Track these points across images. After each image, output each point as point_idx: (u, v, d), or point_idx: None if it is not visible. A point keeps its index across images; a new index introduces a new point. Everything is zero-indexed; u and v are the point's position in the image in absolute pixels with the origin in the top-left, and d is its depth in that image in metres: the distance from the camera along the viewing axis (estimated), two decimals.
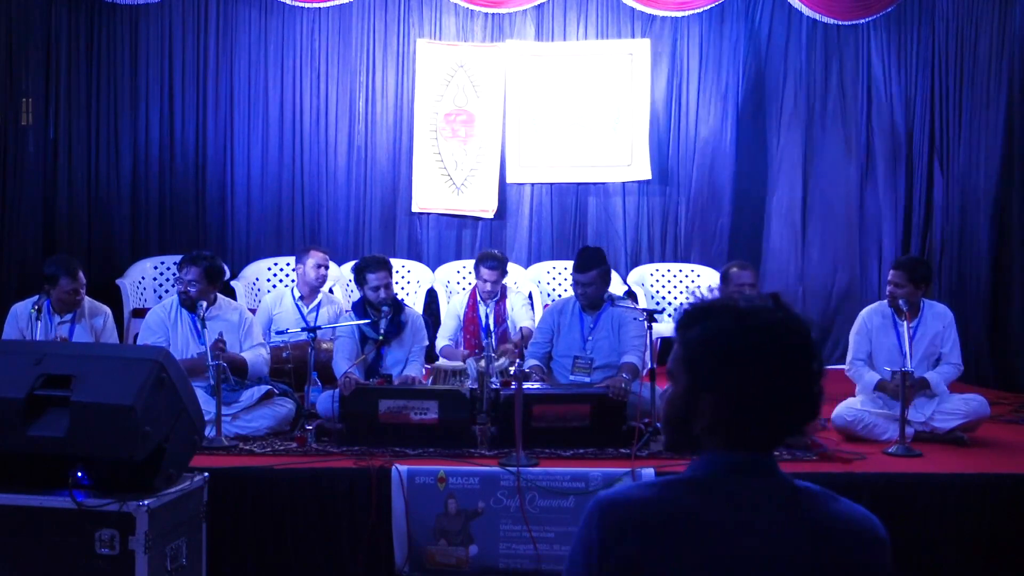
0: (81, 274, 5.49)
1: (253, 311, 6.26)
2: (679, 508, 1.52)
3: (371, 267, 5.53)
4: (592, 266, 5.47)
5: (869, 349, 5.54)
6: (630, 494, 1.55)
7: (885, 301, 5.58)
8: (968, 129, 7.86)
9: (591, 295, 5.49)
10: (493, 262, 6.44)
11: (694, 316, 1.58)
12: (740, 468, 1.55)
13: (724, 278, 5.67)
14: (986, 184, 7.70)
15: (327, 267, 6.65)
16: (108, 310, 5.74)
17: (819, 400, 1.57)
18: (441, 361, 6.25)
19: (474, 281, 6.68)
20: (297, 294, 6.57)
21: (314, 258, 6.51)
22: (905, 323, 5.32)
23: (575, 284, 5.56)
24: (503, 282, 6.69)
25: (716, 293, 1.62)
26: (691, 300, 1.61)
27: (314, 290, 6.55)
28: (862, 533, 1.56)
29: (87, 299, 5.63)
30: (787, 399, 1.54)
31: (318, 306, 6.51)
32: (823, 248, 8.39)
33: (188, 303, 5.32)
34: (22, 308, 5.51)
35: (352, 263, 7.49)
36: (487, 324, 6.40)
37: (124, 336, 7.01)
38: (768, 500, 1.53)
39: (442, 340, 6.51)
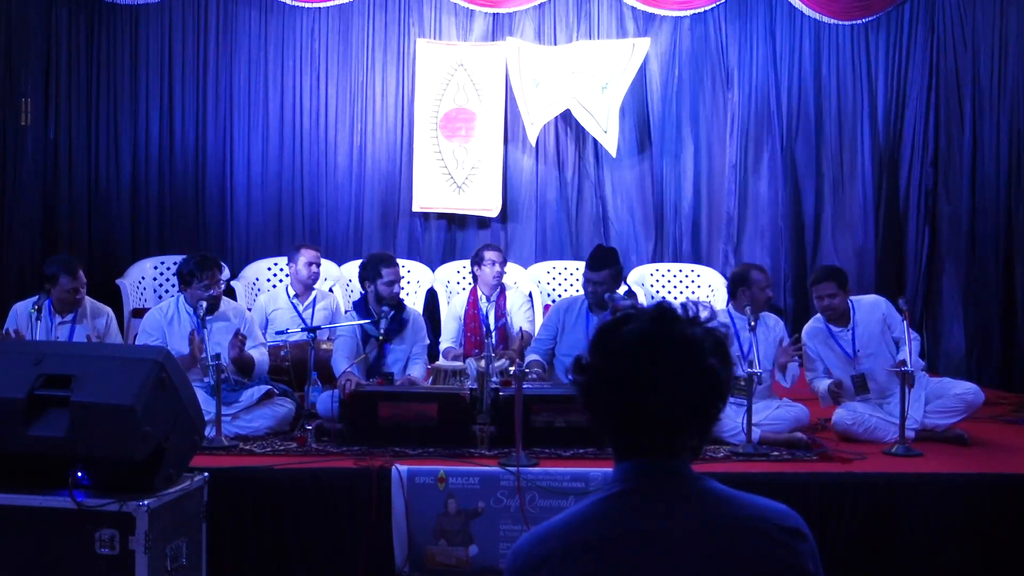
0: (81, 273, 5.48)
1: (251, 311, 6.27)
2: (587, 528, 1.51)
3: (385, 261, 5.57)
4: (605, 265, 5.50)
5: (822, 363, 5.54)
6: (536, 531, 1.55)
7: (820, 315, 5.57)
8: (971, 129, 7.86)
9: (601, 294, 5.50)
10: (494, 247, 6.62)
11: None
12: (645, 476, 1.54)
13: (744, 280, 5.50)
14: (992, 185, 7.70)
15: (319, 264, 6.68)
16: (110, 311, 5.73)
17: (703, 400, 1.54)
18: (441, 361, 6.25)
19: (478, 276, 6.70)
20: (292, 292, 6.59)
21: (305, 256, 6.56)
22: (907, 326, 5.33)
23: (586, 282, 5.58)
24: (502, 281, 6.71)
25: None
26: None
27: (308, 287, 6.58)
28: (774, 527, 1.51)
29: (89, 300, 5.63)
30: (650, 405, 1.52)
31: (313, 302, 6.54)
32: (821, 247, 8.38)
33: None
34: (22, 307, 5.50)
35: (352, 263, 7.53)
36: (487, 320, 6.42)
37: (124, 336, 7.00)
38: (674, 506, 1.51)
39: (445, 343, 6.52)
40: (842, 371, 5.45)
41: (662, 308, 1.56)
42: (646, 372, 1.51)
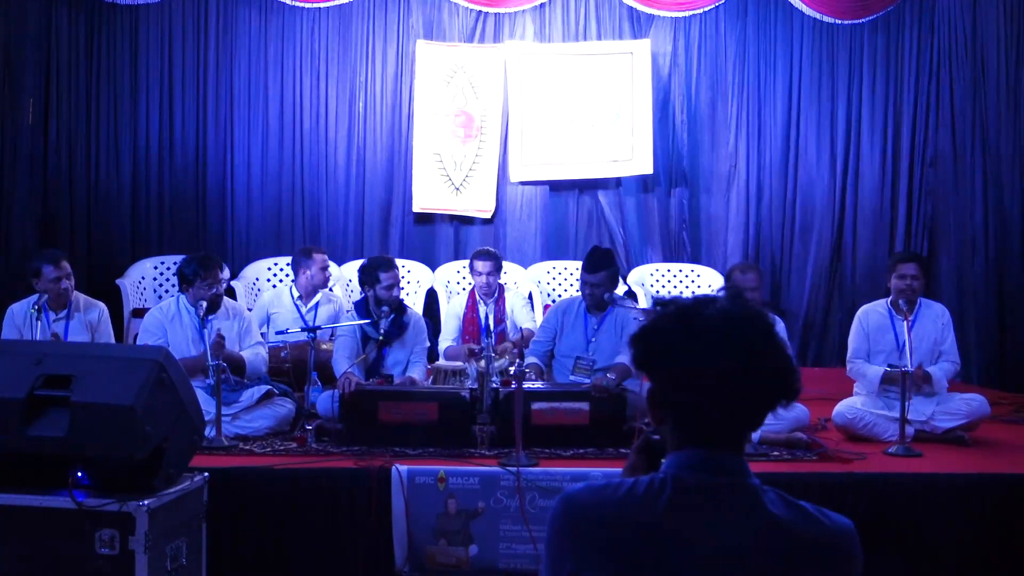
0: (66, 263, 5.46)
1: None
2: (648, 512, 1.51)
3: (384, 266, 5.55)
4: (602, 267, 5.49)
5: (868, 348, 5.55)
6: (596, 489, 1.55)
7: (884, 300, 5.60)
8: (970, 129, 7.85)
9: (598, 296, 5.50)
10: (485, 255, 6.56)
11: (647, 325, 1.61)
12: (705, 467, 1.54)
13: (727, 280, 5.69)
14: (990, 186, 7.69)
15: (329, 266, 6.67)
16: (103, 306, 5.71)
17: (776, 390, 1.55)
18: (441, 361, 6.25)
19: (473, 281, 6.72)
20: (296, 293, 6.56)
21: (318, 261, 6.52)
22: (906, 321, 5.33)
23: (583, 284, 5.58)
24: (501, 282, 6.70)
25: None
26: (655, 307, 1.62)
27: (315, 290, 6.56)
28: (824, 540, 1.52)
29: (82, 296, 5.63)
30: (731, 389, 1.53)
31: (317, 305, 6.51)
32: (820, 248, 8.37)
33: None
34: (18, 308, 5.51)
35: (352, 263, 7.54)
36: (486, 324, 6.41)
37: (124, 336, 7.00)
38: (731, 504, 1.52)
39: (445, 341, 6.52)
40: (882, 358, 5.43)
41: (736, 292, 1.59)
42: (739, 354, 1.52)
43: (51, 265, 5.40)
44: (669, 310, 1.58)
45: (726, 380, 1.52)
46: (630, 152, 8.17)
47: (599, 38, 8.35)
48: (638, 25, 8.36)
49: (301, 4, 8.14)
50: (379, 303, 5.48)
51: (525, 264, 8.19)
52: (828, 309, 8.32)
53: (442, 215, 8.36)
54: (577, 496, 1.56)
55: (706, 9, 8.26)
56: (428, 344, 5.81)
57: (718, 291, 1.59)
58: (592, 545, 1.52)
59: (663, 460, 1.61)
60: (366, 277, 5.56)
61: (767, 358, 1.53)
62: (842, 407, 5.40)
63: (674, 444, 1.58)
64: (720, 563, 1.48)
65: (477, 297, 6.58)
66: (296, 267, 6.62)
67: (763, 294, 5.73)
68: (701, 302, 1.56)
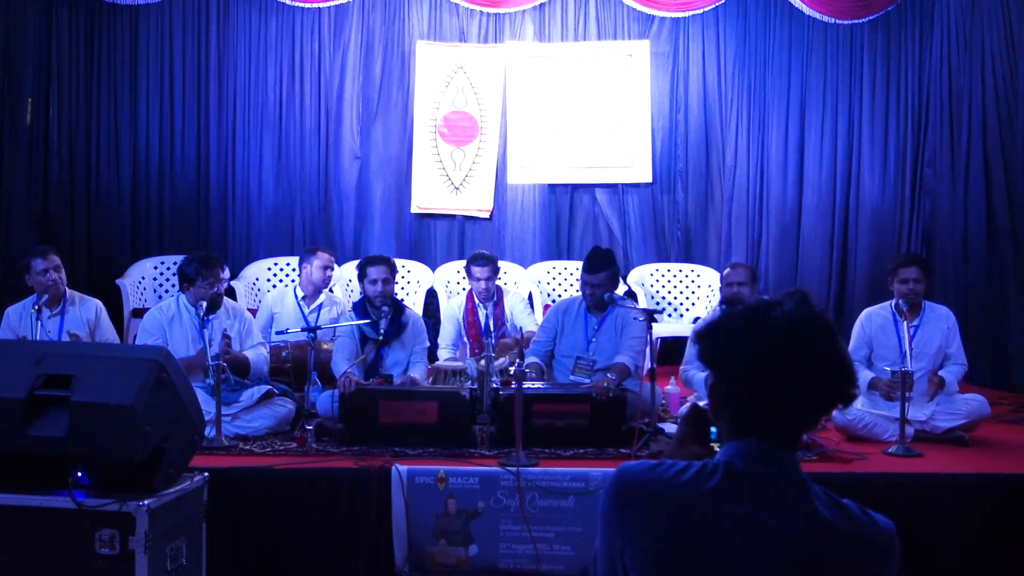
0: (54, 256, 5.46)
1: (253, 311, 6.26)
2: (689, 496, 1.54)
3: (372, 262, 5.59)
4: (602, 267, 5.49)
5: (867, 352, 5.56)
6: (646, 475, 1.58)
7: (888, 303, 5.60)
8: (967, 129, 7.85)
9: (598, 296, 5.50)
10: (482, 260, 6.52)
11: (714, 323, 1.65)
12: (758, 459, 1.57)
13: (722, 278, 5.84)
14: (987, 186, 7.69)
15: (332, 268, 6.66)
16: (98, 302, 5.70)
17: (833, 393, 1.59)
18: (441, 361, 6.24)
19: (469, 285, 6.70)
20: (300, 294, 6.56)
21: (320, 260, 6.51)
22: (905, 323, 5.34)
23: (583, 284, 5.58)
24: (498, 284, 6.69)
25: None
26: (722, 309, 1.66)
27: (317, 290, 6.55)
28: (864, 539, 1.56)
29: (76, 293, 5.62)
30: (794, 390, 1.56)
31: (320, 307, 6.51)
32: (819, 248, 8.37)
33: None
34: (13, 311, 5.51)
35: (352, 263, 7.53)
36: (487, 326, 6.40)
37: (124, 336, 7.00)
38: (777, 496, 1.55)
39: (443, 350, 6.48)
40: (893, 361, 5.40)
41: (804, 295, 1.62)
42: (801, 357, 1.55)
43: (38, 258, 5.40)
44: (737, 310, 1.62)
45: (787, 380, 1.55)
46: (629, 160, 8.19)
47: (599, 38, 8.36)
48: (638, 25, 8.36)
49: (301, 4, 8.14)
50: (369, 300, 5.50)
51: (525, 264, 8.20)
52: (829, 309, 8.31)
53: (442, 215, 8.36)
54: (630, 471, 1.59)
55: (706, 9, 8.27)
56: (428, 344, 5.81)
57: (720, 292, 1.62)
58: (637, 521, 1.55)
59: (712, 429, 1.67)
60: (358, 273, 5.63)
61: (827, 362, 1.57)
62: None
63: (730, 435, 1.61)
64: (759, 552, 1.50)
65: (476, 300, 6.57)
66: (300, 264, 6.65)
67: (754, 290, 5.75)
68: (768, 304, 1.60)
